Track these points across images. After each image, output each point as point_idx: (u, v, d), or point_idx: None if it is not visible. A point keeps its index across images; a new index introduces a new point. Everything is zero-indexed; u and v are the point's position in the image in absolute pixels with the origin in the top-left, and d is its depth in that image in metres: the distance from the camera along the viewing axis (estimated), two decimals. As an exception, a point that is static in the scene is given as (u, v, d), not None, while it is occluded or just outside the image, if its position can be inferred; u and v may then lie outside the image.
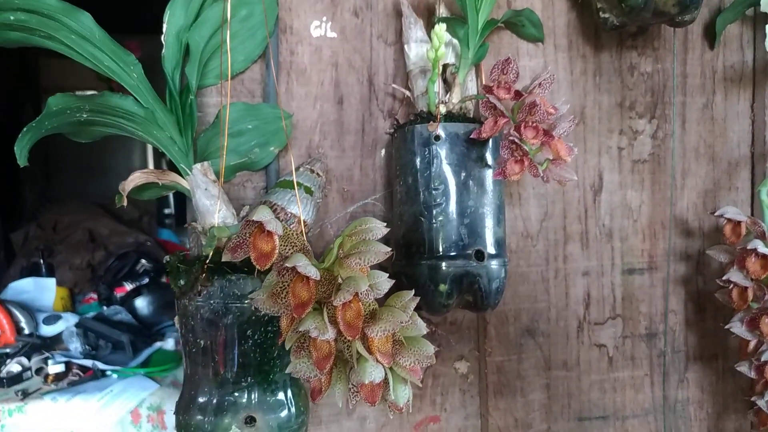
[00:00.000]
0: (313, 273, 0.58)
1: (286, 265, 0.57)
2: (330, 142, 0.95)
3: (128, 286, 1.80)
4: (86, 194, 2.83)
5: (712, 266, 1.13)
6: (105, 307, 1.75)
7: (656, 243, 1.11)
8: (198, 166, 0.78)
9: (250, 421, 0.75)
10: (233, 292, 0.74)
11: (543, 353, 1.06)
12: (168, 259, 0.78)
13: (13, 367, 1.33)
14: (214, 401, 0.75)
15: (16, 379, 1.29)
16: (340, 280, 0.61)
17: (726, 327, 0.98)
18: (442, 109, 0.86)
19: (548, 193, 1.05)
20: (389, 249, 0.62)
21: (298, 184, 0.85)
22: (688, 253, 1.13)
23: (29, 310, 1.57)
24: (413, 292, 0.65)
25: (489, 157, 0.85)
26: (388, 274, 0.64)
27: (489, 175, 0.85)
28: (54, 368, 1.32)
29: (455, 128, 0.84)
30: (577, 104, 1.06)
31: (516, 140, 0.76)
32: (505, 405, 1.04)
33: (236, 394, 0.75)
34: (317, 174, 0.88)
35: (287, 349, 0.61)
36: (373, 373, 0.58)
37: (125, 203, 0.75)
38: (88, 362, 1.38)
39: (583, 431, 1.09)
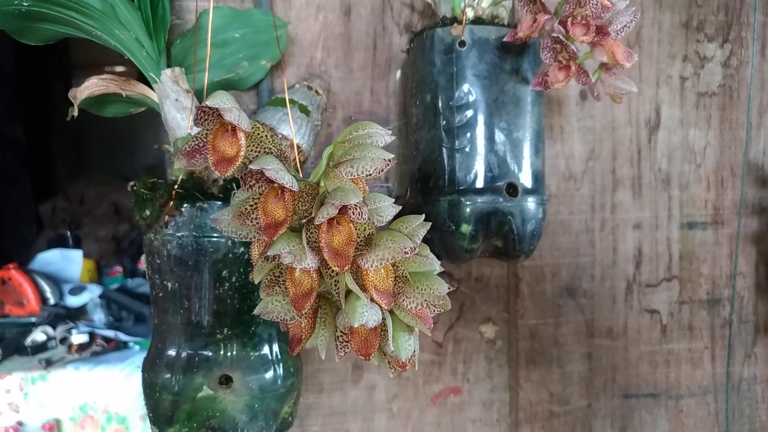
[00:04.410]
0: (288, 181, 0.44)
1: (251, 167, 0.43)
2: (335, 60, 0.80)
3: (151, 260, 1.83)
4: (115, 170, 2.85)
5: (790, 221, 0.95)
6: (129, 280, 1.75)
7: (723, 193, 0.93)
8: (168, 71, 0.64)
9: (226, 381, 0.61)
10: (206, 223, 0.60)
11: (585, 317, 0.90)
12: (133, 185, 0.65)
13: (38, 336, 1.34)
14: (184, 356, 0.62)
15: (40, 347, 1.31)
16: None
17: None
18: (469, 13, 0.70)
19: (595, 128, 0.88)
20: (392, 155, 0.47)
21: (292, 101, 0.71)
22: (762, 205, 0.95)
23: (55, 281, 1.57)
24: (423, 217, 0.50)
25: (527, 69, 0.69)
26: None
27: (526, 91, 0.69)
28: (78, 338, 1.33)
29: (485, 32, 0.68)
30: (632, 22, 0.88)
31: (561, 38, 0.60)
32: (539, 376, 0.89)
33: (210, 348, 0.62)
34: (316, 92, 0.73)
35: (256, 283, 0.47)
36: (366, 314, 0.44)
37: (75, 113, 0.62)
38: (110, 333, 1.38)
39: (628, 410, 0.93)
